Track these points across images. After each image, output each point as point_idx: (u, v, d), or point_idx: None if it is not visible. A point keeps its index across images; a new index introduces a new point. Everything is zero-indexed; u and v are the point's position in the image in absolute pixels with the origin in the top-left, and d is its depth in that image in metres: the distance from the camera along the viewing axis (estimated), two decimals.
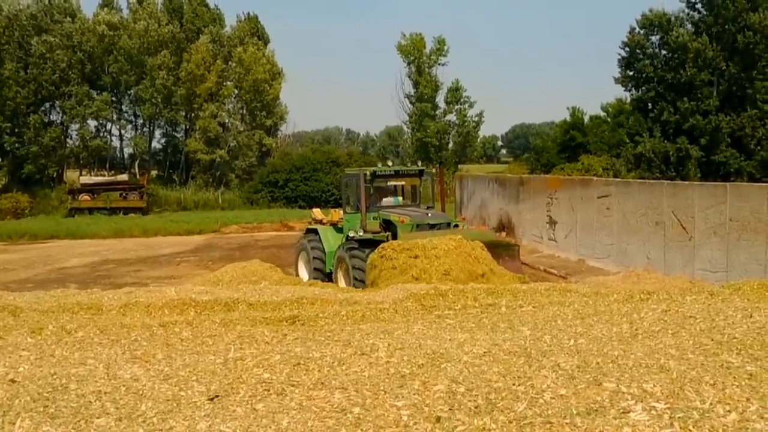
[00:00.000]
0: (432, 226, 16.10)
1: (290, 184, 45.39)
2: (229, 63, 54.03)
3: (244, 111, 54.24)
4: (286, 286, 13.46)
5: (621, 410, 3.70)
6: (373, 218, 16.75)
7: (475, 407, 4.03)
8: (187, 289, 11.17)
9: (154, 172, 55.42)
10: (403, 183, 18.83)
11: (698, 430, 3.35)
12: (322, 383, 4.85)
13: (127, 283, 18.14)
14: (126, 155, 58.62)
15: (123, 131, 57.00)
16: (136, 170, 52.07)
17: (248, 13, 58.06)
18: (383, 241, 15.30)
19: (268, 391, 4.76)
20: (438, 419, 3.88)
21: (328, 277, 17.17)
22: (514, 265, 15.96)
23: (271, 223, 36.11)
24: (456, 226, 16.88)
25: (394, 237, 15.71)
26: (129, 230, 33.88)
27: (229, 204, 45.74)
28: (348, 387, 4.71)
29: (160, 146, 59.04)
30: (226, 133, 53.44)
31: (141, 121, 56.35)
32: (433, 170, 19.89)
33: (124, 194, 41.71)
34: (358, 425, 3.97)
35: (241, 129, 53.58)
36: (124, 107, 56.06)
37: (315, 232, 18.41)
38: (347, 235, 17.03)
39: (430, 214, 16.98)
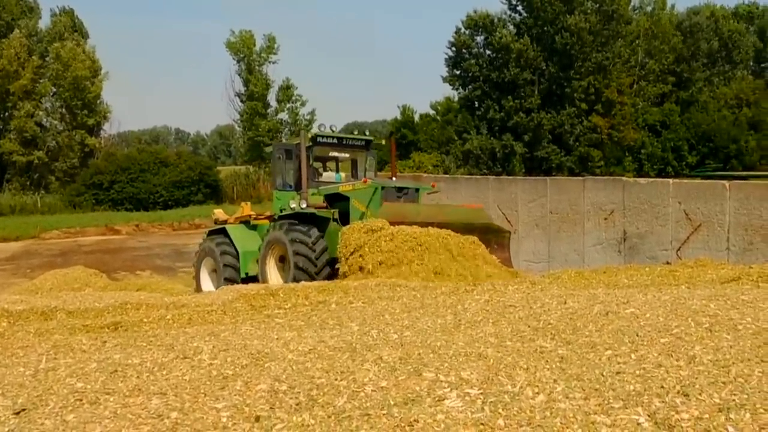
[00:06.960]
0: (399, 190, 14.16)
1: (116, 186, 43.57)
2: (46, 59, 51.27)
3: (64, 110, 51.65)
4: (110, 292, 12.96)
5: (437, 398, 3.77)
6: (312, 195, 14.57)
7: (296, 404, 3.99)
8: (0, 299, 10.47)
9: None
10: (346, 155, 16.76)
11: (507, 412, 3.46)
12: (140, 389, 4.66)
13: None
14: None
15: None
16: None
17: (63, 7, 55.30)
18: (329, 220, 13.65)
19: (81, 401, 4.50)
20: (257, 418, 3.81)
21: (247, 282, 14.29)
22: (503, 254, 13.71)
23: (96, 227, 34.56)
24: (416, 191, 14.73)
25: (342, 216, 13.74)
26: None
27: (49, 208, 43.31)
28: (167, 392, 4.54)
29: None
30: (45, 133, 50.79)
31: None
32: (383, 142, 18.29)
33: None
34: (174, 430, 3.83)
35: (61, 129, 51.18)
36: None
37: (222, 232, 16.03)
38: (279, 214, 14.84)
39: (393, 179, 15.33)
